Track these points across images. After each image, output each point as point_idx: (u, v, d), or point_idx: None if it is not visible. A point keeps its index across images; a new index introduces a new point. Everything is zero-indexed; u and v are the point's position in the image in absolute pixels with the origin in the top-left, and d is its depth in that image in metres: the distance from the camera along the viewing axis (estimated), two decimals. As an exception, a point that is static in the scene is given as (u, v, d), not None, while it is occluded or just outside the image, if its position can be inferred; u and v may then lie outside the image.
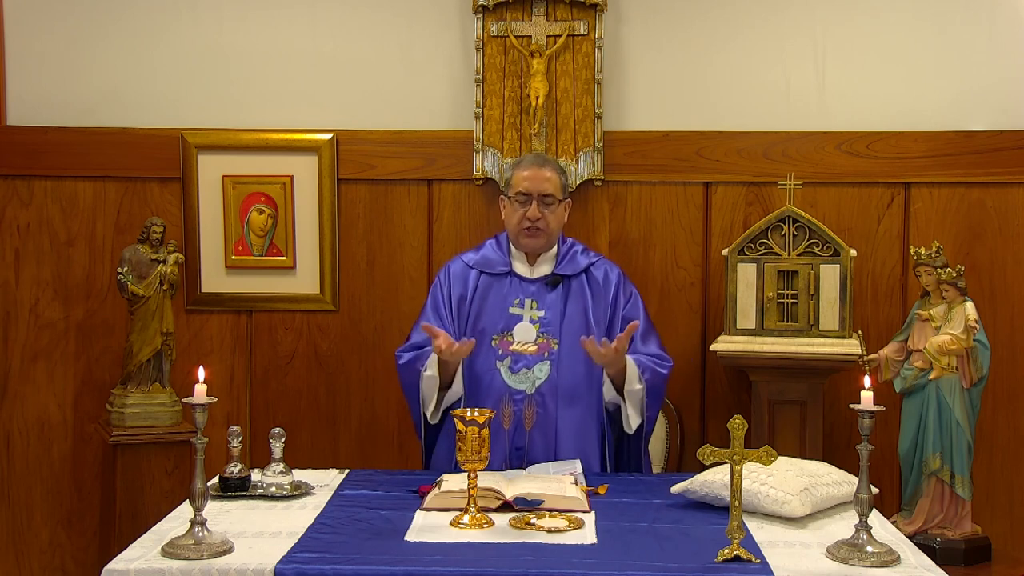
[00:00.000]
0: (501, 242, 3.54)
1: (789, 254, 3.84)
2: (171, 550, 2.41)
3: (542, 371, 3.36)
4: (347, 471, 3.21)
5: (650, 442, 3.94)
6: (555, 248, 3.50)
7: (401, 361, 3.43)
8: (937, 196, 4.12)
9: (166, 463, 3.87)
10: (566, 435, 3.34)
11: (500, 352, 3.37)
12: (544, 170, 3.41)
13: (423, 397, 3.37)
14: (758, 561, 2.38)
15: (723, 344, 3.83)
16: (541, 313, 3.39)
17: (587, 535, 2.57)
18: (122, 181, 4.25)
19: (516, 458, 3.29)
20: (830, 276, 3.79)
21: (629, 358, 3.31)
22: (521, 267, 3.48)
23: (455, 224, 4.23)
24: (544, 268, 3.48)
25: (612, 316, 3.45)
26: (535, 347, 3.36)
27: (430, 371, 3.34)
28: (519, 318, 3.38)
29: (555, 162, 3.53)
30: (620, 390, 3.34)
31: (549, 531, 2.58)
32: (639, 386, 3.32)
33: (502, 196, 3.51)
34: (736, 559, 2.37)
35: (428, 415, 3.37)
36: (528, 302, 3.41)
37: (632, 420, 3.34)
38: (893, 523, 3.16)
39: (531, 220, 3.38)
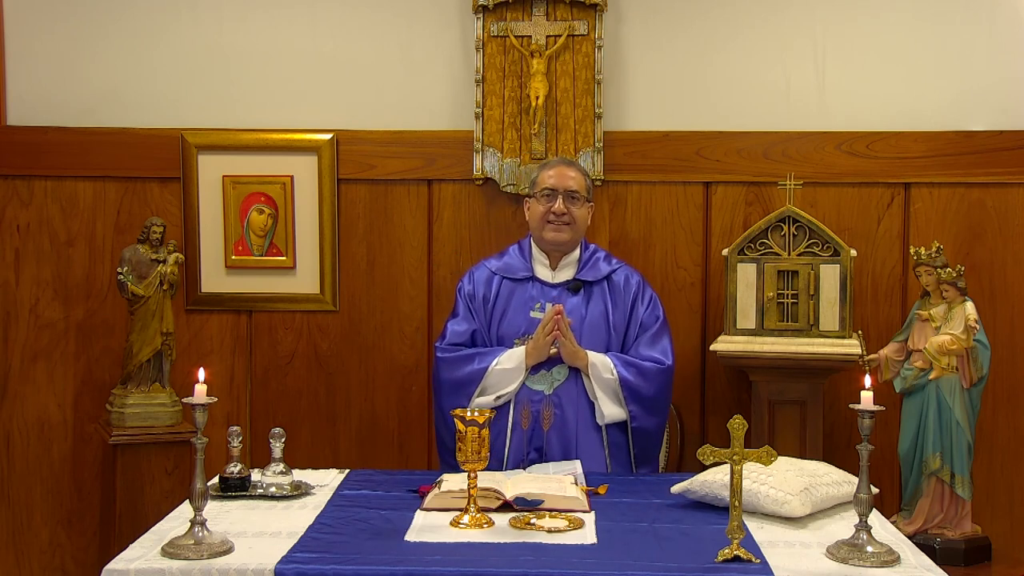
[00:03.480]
0: (524, 248, 3.59)
1: (789, 254, 3.84)
2: (171, 550, 2.41)
3: (561, 373, 3.39)
4: (347, 471, 3.21)
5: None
6: (577, 253, 3.54)
7: (449, 355, 3.44)
8: (937, 196, 4.12)
9: (166, 463, 3.87)
10: (585, 436, 3.36)
11: None
12: (570, 169, 3.53)
13: (485, 388, 3.37)
14: (758, 561, 2.38)
15: (723, 344, 3.83)
16: None
17: (587, 535, 2.57)
18: (122, 181, 4.25)
19: (535, 459, 3.32)
20: (830, 276, 3.79)
21: (595, 353, 3.38)
22: (543, 272, 3.52)
23: (455, 224, 4.23)
24: (566, 273, 3.52)
25: (630, 321, 3.49)
26: (555, 349, 3.37)
27: (510, 364, 3.36)
28: (540, 321, 3.38)
29: (581, 166, 3.66)
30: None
31: (549, 531, 2.58)
32: (610, 376, 3.35)
33: (527, 198, 3.58)
34: (736, 559, 2.37)
35: (491, 401, 3.36)
36: (549, 306, 3.41)
37: (606, 410, 3.35)
38: (893, 523, 3.16)
39: (557, 215, 3.43)
